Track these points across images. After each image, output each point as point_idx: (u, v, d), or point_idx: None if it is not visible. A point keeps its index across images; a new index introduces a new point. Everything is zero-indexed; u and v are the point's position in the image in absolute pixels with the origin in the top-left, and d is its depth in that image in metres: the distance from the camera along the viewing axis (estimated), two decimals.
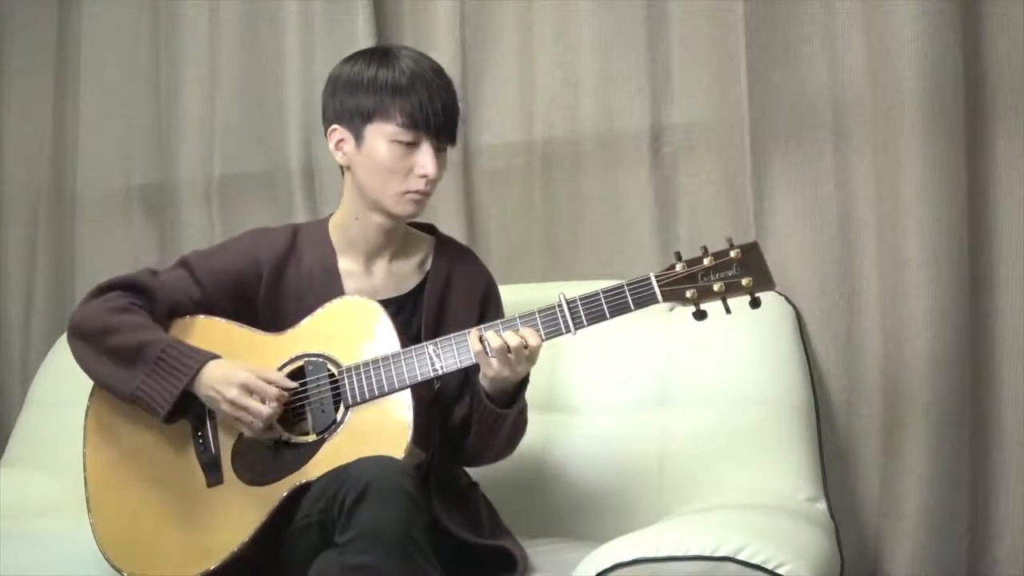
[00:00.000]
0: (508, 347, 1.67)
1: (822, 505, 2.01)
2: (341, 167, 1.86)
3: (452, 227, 2.38)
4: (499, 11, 2.51)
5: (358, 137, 1.79)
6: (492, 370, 1.69)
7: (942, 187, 2.07)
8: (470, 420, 1.80)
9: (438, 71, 1.81)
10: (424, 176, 1.77)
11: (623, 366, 2.16)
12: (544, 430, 2.10)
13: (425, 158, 1.77)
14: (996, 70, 2.11)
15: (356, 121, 1.79)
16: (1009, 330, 2.12)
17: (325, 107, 1.84)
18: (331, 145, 1.83)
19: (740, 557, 1.53)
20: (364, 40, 2.54)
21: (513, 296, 1.98)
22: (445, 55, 2.40)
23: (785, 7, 2.21)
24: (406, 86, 1.75)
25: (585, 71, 2.41)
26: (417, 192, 1.79)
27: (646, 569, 1.54)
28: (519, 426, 1.84)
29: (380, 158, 1.77)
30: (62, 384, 2.56)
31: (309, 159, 2.64)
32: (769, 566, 1.52)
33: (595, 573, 1.56)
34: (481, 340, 1.68)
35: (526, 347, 1.67)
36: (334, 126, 1.82)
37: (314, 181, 2.64)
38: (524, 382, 1.76)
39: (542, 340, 1.69)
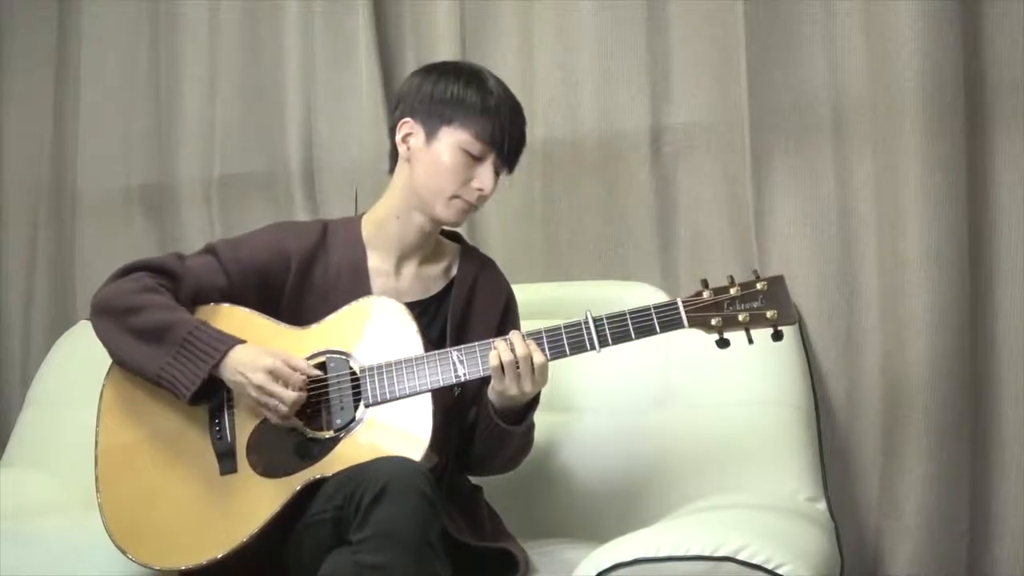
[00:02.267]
0: (516, 360, 1.68)
1: (822, 505, 2.01)
2: (392, 165, 1.88)
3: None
4: (499, 11, 2.51)
5: (430, 135, 1.81)
6: (500, 385, 1.70)
7: (942, 187, 2.07)
8: (473, 432, 1.82)
9: (517, 100, 1.85)
10: (480, 190, 1.81)
11: (623, 366, 2.16)
12: (544, 430, 2.09)
13: (486, 173, 1.80)
14: (996, 70, 2.11)
15: (433, 120, 1.81)
16: (1009, 330, 2.13)
17: (402, 100, 1.86)
18: (398, 136, 1.85)
19: (740, 557, 1.53)
20: (364, 40, 2.54)
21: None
22: (445, 55, 2.40)
23: (785, 7, 2.22)
24: (493, 107, 1.80)
25: (585, 71, 2.41)
26: (466, 202, 1.82)
27: (646, 569, 1.55)
28: (525, 444, 1.85)
29: (444, 160, 1.80)
30: (62, 384, 2.56)
31: (309, 159, 2.64)
32: (769, 566, 1.52)
33: (595, 573, 1.56)
34: (496, 354, 1.69)
35: (532, 362, 1.69)
36: (407, 119, 1.84)
37: (314, 181, 2.63)
38: (534, 402, 1.78)
39: (547, 359, 1.71)
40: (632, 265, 2.37)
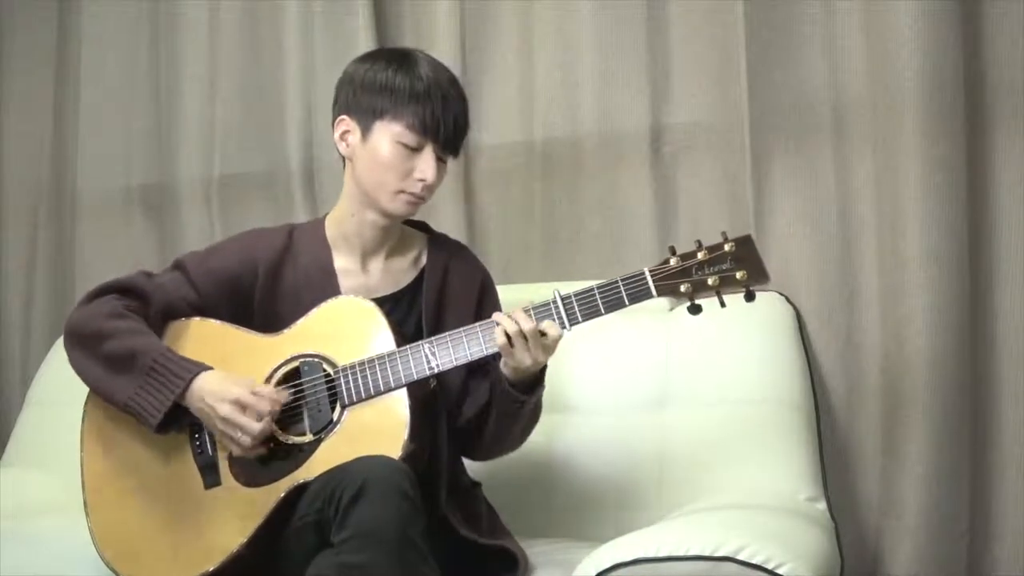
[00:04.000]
0: (523, 332, 1.67)
1: (822, 505, 2.01)
2: (343, 162, 1.87)
3: (452, 227, 2.38)
4: (499, 11, 2.51)
5: (365, 131, 1.80)
6: (513, 360, 1.69)
7: (942, 187, 2.07)
8: (486, 412, 1.81)
9: (454, 82, 1.82)
10: (422, 180, 1.78)
11: (623, 366, 2.16)
12: (545, 430, 2.09)
13: (426, 163, 1.78)
14: (996, 70, 2.11)
15: (366, 116, 1.80)
16: (1009, 330, 2.13)
17: (337, 97, 1.85)
18: (336, 135, 1.84)
19: (740, 557, 1.53)
20: (364, 40, 2.54)
21: (513, 296, 1.98)
22: (445, 55, 2.39)
23: (785, 7, 2.22)
24: (422, 93, 1.76)
25: (585, 71, 2.40)
26: (412, 194, 1.80)
27: (646, 569, 1.54)
28: (535, 415, 1.84)
29: (382, 155, 1.78)
30: (62, 384, 2.54)
31: (309, 159, 2.64)
32: (769, 566, 1.52)
33: (595, 573, 1.56)
34: (502, 330, 1.69)
35: (544, 335, 1.68)
36: (343, 116, 1.83)
37: (314, 181, 2.64)
38: (542, 372, 1.77)
39: (562, 330, 1.69)
40: (632, 265, 2.35)
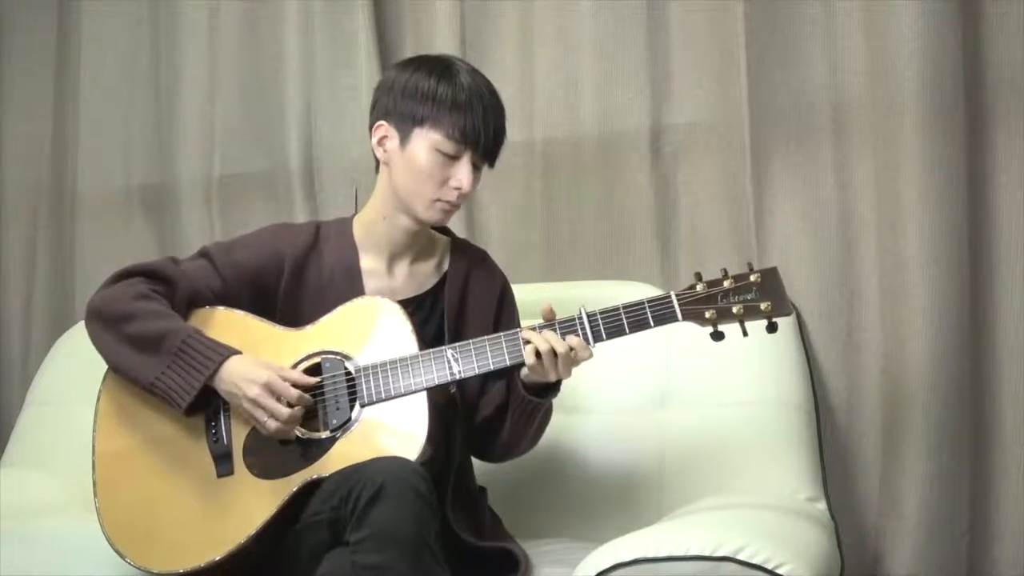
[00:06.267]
0: (555, 351, 1.69)
1: (822, 505, 2.01)
2: (376, 165, 1.87)
3: (452, 227, 2.38)
4: (499, 11, 2.51)
5: (404, 138, 1.80)
6: (536, 375, 1.72)
7: (942, 187, 2.07)
8: (502, 413, 1.82)
9: (493, 92, 1.83)
10: (458, 189, 1.80)
11: (624, 366, 2.16)
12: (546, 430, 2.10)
13: (463, 172, 1.79)
14: (996, 70, 2.12)
15: (406, 123, 1.80)
16: (1009, 330, 2.13)
17: (376, 103, 1.85)
18: (374, 140, 1.84)
19: (740, 557, 1.53)
20: (364, 40, 2.54)
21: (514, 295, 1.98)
22: None
23: (785, 7, 2.22)
24: (464, 102, 1.77)
25: (585, 71, 2.41)
26: (447, 202, 1.81)
27: (646, 569, 1.55)
28: (547, 417, 1.86)
29: (419, 162, 1.79)
30: (62, 384, 2.56)
31: (309, 159, 2.64)
32: (769, 566, 1.52)
33: (595, 573, 1.56)
34: (529, 343, 1.71)
35: (573, 351, 1.70)
36: (381, 122, 1.83)
37: (314, 181, 2.64)
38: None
39: (590, 355, 1.72)
40: (632, 265, 2.38)
